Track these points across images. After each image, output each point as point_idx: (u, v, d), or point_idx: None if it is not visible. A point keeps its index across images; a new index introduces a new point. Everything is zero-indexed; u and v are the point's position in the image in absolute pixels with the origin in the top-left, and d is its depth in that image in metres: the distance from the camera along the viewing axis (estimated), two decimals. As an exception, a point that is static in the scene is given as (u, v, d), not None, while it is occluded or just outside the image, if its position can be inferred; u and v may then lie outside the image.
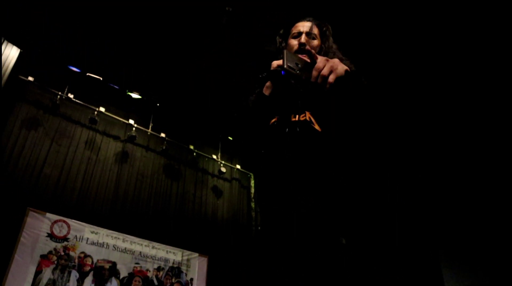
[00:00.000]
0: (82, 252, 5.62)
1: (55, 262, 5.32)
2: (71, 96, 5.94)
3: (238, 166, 8.03)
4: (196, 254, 6.85)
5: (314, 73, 1.22)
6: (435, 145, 6.81)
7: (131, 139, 6.50)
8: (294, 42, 1.63)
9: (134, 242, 6.19)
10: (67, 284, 5.29)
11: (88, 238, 5.74)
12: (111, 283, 5.70)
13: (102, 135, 6.34)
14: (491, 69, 5.22)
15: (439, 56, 5.27)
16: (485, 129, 6.15)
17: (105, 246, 5.88)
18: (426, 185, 7.50)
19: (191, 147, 7.37)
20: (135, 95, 6.50)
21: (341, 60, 1.38)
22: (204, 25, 5.34)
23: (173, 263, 6.54)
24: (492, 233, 7.05)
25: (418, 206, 7.71)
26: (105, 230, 5.93)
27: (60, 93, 5.84)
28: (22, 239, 5.09)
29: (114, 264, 5.88)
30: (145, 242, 6.31)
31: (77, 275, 5.44)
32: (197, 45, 5.71)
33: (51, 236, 5.39)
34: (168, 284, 6.31)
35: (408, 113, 6.33)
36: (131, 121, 6.58)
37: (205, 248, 6.96)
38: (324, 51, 1.62)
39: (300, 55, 1.38)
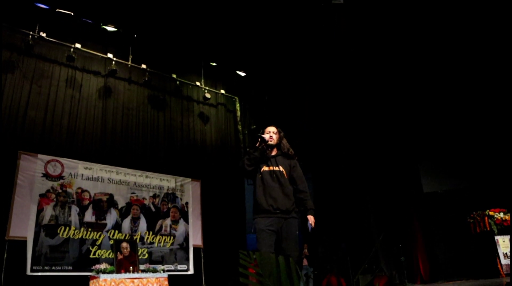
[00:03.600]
0: (79, 188, 5.88)
1: (54, 199, 5.59)
2: (43, 34, 5.69)
3: (222, 91, 8.03)
4: (189, 179, 7.18)
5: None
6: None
7: (112, 73, 6.39)
8: (266, 136, 3.15)
9: (128, 174, 6.44)
10: (69, 218, 5.63)
11: (82, 174, 5.96)
12: (110, 214, 6.06)
13: (82, 72, 6.20)
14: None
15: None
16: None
17: (100, 180, 6.13)
18: (406, 95, 7.66)
19: (174, 75, 7.28)
20: (110, 28, 6.25)
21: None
22: None
23: (167, 189, 6.88)
24: (467, 140, 7.41)
25: (398, 117, 7.96)
26: (98, 165, 6.11)
27: (31, 32, 5.60)
28: (18, 181, 5.28)
29: (111, 196, 6.18)
30: (139, 172, 6.56)
31: (77, 209, 5.75)
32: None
33: (47, 175, 5.59)
34: (165, 210, 6.72)
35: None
36: (110, 55, 6.40)
37: (197, 173, 7.27)
38: (278, 140, 3.24)
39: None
